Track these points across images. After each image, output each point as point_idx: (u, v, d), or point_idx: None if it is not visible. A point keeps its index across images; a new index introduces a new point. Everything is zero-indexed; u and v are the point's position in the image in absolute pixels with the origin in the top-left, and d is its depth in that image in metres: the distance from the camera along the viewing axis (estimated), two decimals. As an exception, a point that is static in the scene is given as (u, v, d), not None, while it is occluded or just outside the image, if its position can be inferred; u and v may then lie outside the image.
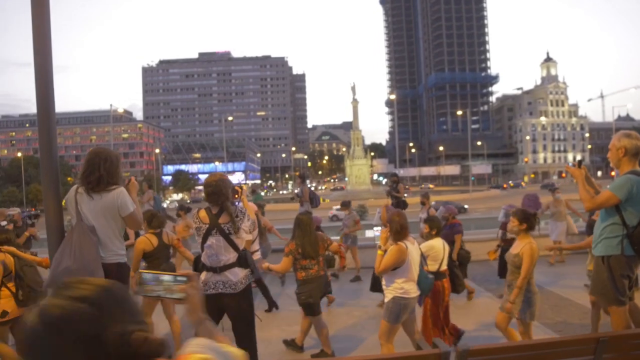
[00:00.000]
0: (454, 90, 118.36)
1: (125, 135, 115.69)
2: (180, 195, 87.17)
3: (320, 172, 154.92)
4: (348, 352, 4.99)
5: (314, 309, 4.86)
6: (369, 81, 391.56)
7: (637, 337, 3.02)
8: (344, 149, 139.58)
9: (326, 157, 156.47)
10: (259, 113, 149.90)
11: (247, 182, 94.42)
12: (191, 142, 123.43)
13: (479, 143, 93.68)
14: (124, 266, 3.28)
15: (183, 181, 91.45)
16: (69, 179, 68.91)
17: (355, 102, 49.95)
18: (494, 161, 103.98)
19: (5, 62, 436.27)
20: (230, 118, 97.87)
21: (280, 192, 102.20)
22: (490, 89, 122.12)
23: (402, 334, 4.38)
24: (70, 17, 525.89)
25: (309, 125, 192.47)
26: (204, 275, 3.63)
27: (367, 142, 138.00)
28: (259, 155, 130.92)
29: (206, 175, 4.12)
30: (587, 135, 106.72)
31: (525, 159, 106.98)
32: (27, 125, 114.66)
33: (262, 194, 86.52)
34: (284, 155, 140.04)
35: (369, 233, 11.98)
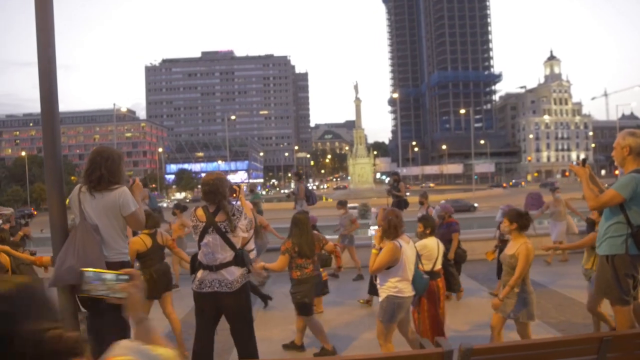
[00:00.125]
0: (457, 88, 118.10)
1: (128, 135, 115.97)
2: (183, 194, 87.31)
3: (323, 171, 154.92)
4: (345, 351, 4.99)
5: (308, 309, 4.88)
6: (372, 80, 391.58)
7: (641, 336, 3.00)
8: (347, 148, 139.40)
9: (329, 156, 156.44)
10: (261, 112, 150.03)
11: (250, 180, 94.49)
12: (194, 141, 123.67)
13: (482, 142, 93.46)
14: (128, 265, 3.29)
15: (186, 180, 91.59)
16: (72, 178, 69.11)
17: (358, 101, 49.90)
18: (497, 160, 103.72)
19: (8, 61, 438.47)
20: (233, 117, 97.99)
21: (282, 191, 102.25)
22: (493, 87, 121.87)
23: (399, 334, 4.37)
24: (73, 17, 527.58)
25: (312, 124, 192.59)
26: (200, 273, 3.63)
27: (370, 140, 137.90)
28: (261, 154, 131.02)
29: (209, 174, 4.11)
30: (590, 133, 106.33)
31: (529, 158, 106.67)
32: (31, 124, 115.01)
33: (264, 192, 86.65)
34: (286, 154, 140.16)
35: (371, 232, 11.96)
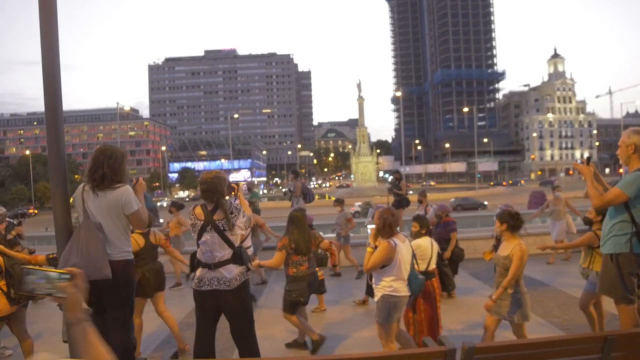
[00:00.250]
0: (460, 87, 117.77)
1: (131, 133, 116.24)
2: (186, 193, 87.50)
3: (326, 170, 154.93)
4: (346, 349, 4.99)
5: (296, 309, 4.92)
6: (375, 78, 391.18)
7: (645, 335, 2.99)
8: (350, 147, 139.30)
9: (332, 155, 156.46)
10: (264, 110, 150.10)
11: (253, 178, 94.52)
12: (197, 139, 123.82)
13: (485, 140, 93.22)
14: (131, 263, 3.30)
15: (189, 179, 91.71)
16: (76, 176, 69.43)
17: (361, 99, 49.85)
18: (501, 158, 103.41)
19: (12, 61, 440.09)
20: (236, 115, 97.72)
21: (283, 189, 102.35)
22: (496, 85, 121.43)
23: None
24: (75, 16, 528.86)
25: (315, 123, 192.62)
26: (199, 271, 3.64)
27: (373, 139, 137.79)
28: (264, 152, 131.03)
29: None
30: (594, 132, 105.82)
31: (532, 156, 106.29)
32: (35, 123, 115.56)
33: (265, 191, 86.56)
34: (289, 152, 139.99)
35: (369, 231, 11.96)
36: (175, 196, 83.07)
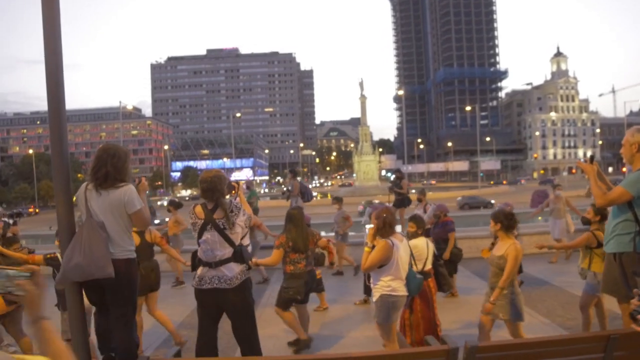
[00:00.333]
0: (463, 85, 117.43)
1: (134, 132, 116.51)
2: (189, 192, 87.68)
3: (328, 169, 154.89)
4: (347, 348, 4.99)
5: (290, 305, 4.93)
6: (377, 77, 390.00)
7: (649, 334, 2.98)
8: (352, 145, 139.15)
9: (334, 153, 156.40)
10: (266, 109, 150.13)
11: (255, 177, 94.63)
12: (199, 138, 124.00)
13: (487, 139, 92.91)
14: (134, 262, 3.31)
15: (192, 177, 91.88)
16: (79, 175, 69.60)
17: (363, 98, 49.76)
18: (503, 157, 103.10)
19: (16, 59, 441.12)
20: (238, 114, 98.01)
21: (285, 188, 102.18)
22: (499, 84, 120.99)
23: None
24: (79, 15, 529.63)
25: (317, 122, 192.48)
26: (200, 270, 3.66)
27: (376, 138, 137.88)
28: (267, 151, 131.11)
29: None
30: (598, 130, 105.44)
31: (535, 155, 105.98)
32: (38, 122, 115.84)
33: (266, 190, 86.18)
34: (292, 151, 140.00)
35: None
36: (178, 195, 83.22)
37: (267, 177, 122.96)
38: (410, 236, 5.04)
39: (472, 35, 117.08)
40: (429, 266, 4.86)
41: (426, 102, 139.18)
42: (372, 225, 4.16)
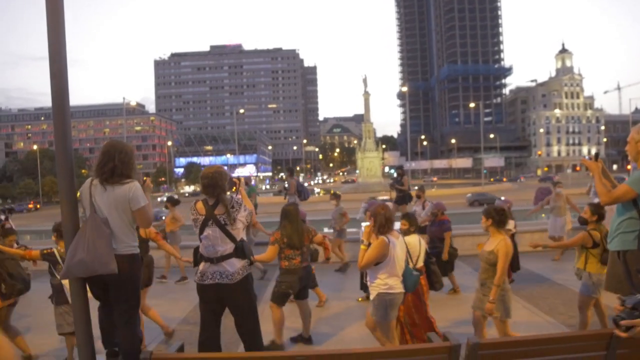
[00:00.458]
0: (467, 82, 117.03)
1: (138, 128, 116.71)
2: (192, 188, 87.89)
3: (331, 165, 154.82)
4: (349, 344, 5.00)
5: (285, 300, 4.95)
6: (381, 73, 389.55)
7: (651, 333, 2.97)
8: (355, 142, 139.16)
9: (337, 150, 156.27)
10: (270, 106, 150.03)
11: (258, 173, 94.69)
12: (203, 134, 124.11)
13: (491, 136, 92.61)
14: (137, 257, 3.32)
15: (195, 173, 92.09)
16: (83, 171, 69.87)
17: (366, 95, 49.64)
18: (507, 154, 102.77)
19: (19, 56, 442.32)
20: (241, 111, 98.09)
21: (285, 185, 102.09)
22: (503, 81, 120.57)
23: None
24: (83, 12, 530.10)
25: (320, 118, 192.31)
26: (202, 265, 3.67)
27: (379, 134, 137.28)
28: (270, 147, 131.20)
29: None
30: (602, 128, 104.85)
31: (539, 152, 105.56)
32: (43, 118, 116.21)
33: (268, 186, 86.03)
34: (295, 147, 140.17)
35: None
36: (181, 191, 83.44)
37: (270, 174, 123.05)
38: (403, 233, 5.05)
39: (476, 32, 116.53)
40: (420, 264, 4.86)
41: (430, 99, 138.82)
42: (368, 223, 4.16)
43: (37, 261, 4.57)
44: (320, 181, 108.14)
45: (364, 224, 6.96)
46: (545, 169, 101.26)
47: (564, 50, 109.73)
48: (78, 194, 3.23)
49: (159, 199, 41.87)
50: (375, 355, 2.87)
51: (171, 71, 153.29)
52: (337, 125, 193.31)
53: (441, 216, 7.17)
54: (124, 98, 54.09)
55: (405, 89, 69.15)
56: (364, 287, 6.16)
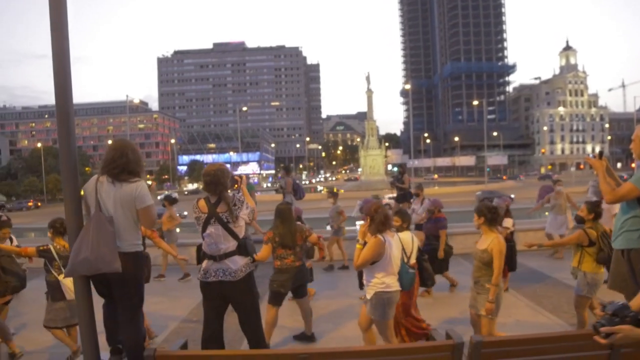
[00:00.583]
0: (470, 80, 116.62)
1: (141, 126, 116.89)
2: (195, 185, 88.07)
3: (334, 163, 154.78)
4: (350, 342, 5.00)
5: (280, 300, 4.96)
6: (384, 71, 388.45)
7: (656, 331, 2.95)
8: (359, 140, 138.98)
9: (340, 148, 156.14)
10: (273, 103, 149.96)
11: (261, 171, 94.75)
12: (206, 132, 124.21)
13: (495, 134, 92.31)
14: (141, 255, 3.33)
15: (198, 171, 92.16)
16: (86, 169, 70.11)
17: (369, 92, 49.63)
18: (510, 152, 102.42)
19: (23, 53, 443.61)
20: (244, 108, 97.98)
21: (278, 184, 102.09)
22: (507, 78, 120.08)
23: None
24: (86, 9, 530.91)
25: (323, 116, 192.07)
26: (205, 263, 3.69)
27: (382, 132, 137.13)
28: (273, 145, 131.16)
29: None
30: (607, 126, 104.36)
31: (542, 150, 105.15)
32: (46, 116, 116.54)
33: (269, 185, 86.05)
34: (298, 145, 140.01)
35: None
36: (184, 188, 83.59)
37: (273, 171, 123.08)
38: (396, 230, 5.05)
39: (479, 29, 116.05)
40: (413, 261, 4.86)
41: (433, 97, 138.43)
42: (363, 222, 4.16)
43: (33, 258, 4.58)
44: (323, 179, 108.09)
45: (358, 223, 6.96)
46: (549, 167, 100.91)
47: (568, 48, 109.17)
48: (82, 191, 3.23)
49: (158, 197, 41.97)
50: (378, 353, 2.87)
51: (174, 69, 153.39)
52: (340, 123, 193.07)
53: (437, 213, 7.16)
54: (127, 96, 54.29)
55: (408, 86, 68.88)
56: (363, 286, 6.17)
